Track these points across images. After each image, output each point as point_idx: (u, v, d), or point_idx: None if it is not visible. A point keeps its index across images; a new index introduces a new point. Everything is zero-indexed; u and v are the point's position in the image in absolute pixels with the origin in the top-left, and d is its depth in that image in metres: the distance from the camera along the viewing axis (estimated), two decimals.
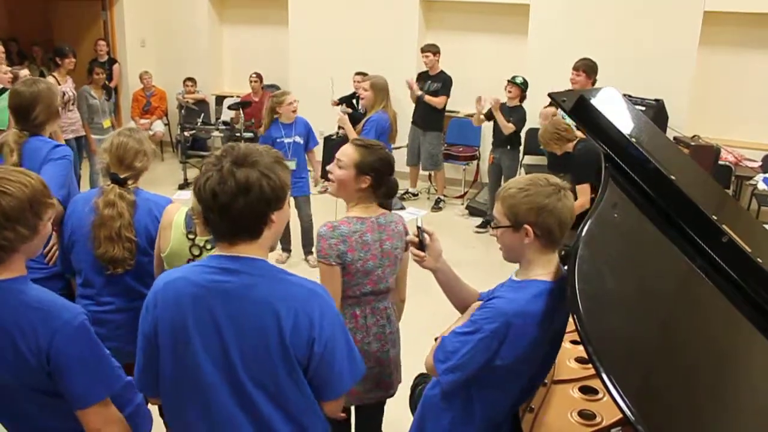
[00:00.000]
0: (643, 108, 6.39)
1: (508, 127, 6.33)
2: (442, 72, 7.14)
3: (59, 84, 6.40)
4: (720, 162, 6.37)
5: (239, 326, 1.62)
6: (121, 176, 2.51)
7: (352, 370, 1.76)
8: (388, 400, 2.74)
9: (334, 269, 2.38)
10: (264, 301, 1.62)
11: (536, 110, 6.27)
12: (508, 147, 6.51)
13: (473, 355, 1.84)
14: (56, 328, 1.65)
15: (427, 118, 7.17)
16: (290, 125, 5.28)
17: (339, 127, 6.53)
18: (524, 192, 1.88)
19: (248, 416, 1.66)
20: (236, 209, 1.58)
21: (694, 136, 6.61)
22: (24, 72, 5.62)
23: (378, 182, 2.46)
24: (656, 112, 6.48)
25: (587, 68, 5.57)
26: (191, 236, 2.31)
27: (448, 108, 7.79)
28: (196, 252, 2.31)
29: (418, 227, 2.15)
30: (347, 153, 2.45)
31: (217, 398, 1.65)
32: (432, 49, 7.08)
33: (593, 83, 5.65)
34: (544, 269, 1.91)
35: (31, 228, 1.70)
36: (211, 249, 2.23)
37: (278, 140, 5.20)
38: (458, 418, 2.01)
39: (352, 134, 5.44)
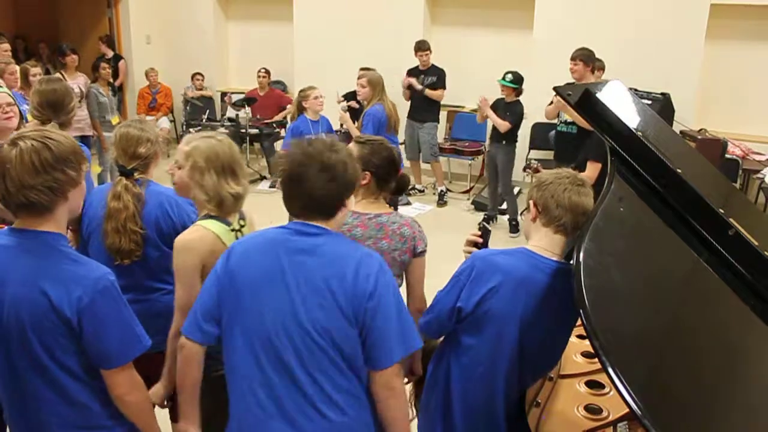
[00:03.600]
0: (650, 102, 6.35)
1: (503, 125, 6.34)
2: (434, 66, 7.27)
3: (67, 81, 6.43)
4: (727, 156, 6.33)
5: (304, 276, 1.77)
6: (128, 167, 2.50)
7: (405, 338, 1.82)
8: None
9: None
10: (330, 256, 1.79)
11: (542, 104, 6.24)
12: (503, 142, 6.46)
13: (445, 295, 2.07)
14: (90, 282, 1.72)
15: (424, 110, 7.30)
16: (317, 122, 5.35)
17: (341, 124, 6.55)
18: (548, 173, 2.10)
19: (303, 364, 1.76)
20: (305, 190, 1.79)
21: (700, 130, 6.57)
22: (36, 69, 5.62)
23: (381, 179, 2.47)
24: (662, 106, 6.45)
25: (584, 57, 5.57)
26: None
27: (453, 103, 7.83)
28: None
29: (484, 227, 2.28)
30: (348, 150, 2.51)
31: (276, 345, 1.76)
32: (429, 47, 7.24)
33: (593, 70, 5.62)
34: (535, 242, 2.06)
35: (77, 171, 1.78)
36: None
37: (307, 137, 5.22)
38: (434, 379, 2.18)
39: (353, 130, 5.45)
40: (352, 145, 2.51)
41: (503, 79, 6.38)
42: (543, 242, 2.04)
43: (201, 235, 2.19)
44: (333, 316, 1.75)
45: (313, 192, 1.79)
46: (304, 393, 1.75)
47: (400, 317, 1.83)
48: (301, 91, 5.52)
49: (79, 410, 1.81)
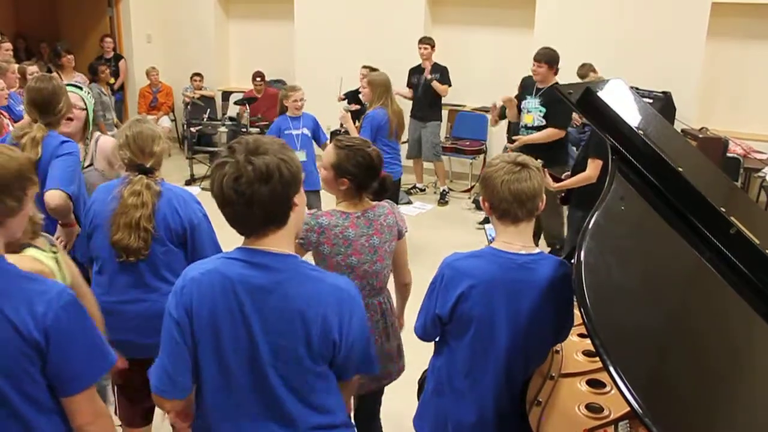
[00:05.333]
0: (651, 100, 6.35)
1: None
2: (436, 63, 7.24)
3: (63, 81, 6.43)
4: (728, 154, 6.31)
5: (267, 321, 1.63)
6: (147, 165, 2.51)
7: (365, 368, 1.81)
8: (390, 394, 2.77)
9: (301, 251, 2.42)
10: (292, 300, 1.63)
11: None
12: None
13: (426, 302, 2.13)
14: (53, 298, 1.57)
15: (427, 109, 7.27)
16: (297, 118, 5.34)
17: (341, 124, 6.55)
18: (488, 165, 2.06)
19: (272, 410, 1.68)
20: (260, 198, 1.56)
21: (702, 129, 6.57)
22: (33, 68, 5.64)
23: (359, 184, 2.46)
24: (663, 105, 6.44)
25: (548, 59, 5.26)
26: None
27: (454, 102, 7.81)
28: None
29: None
30: (328, 153, 2.49)
31: (242, 391, 1.66)
32: (432, 42, 7.20)
33: (556, 73, 5.38)
34: (500, 237, 2.06)
35: (18, 200, 1.62)
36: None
37: (285, 131, 5.26)
38: (430, 375, 2.22)
39: (353, 131, 5.46)
40: (330, 148, 2.51)
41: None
42: (506, 237, 2.05)
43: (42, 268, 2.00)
44: (299, 357, 1.66)
45: (258, 204, 1.57)
46: (272, 426, 1.70)
47: (366, 352, 1.78)
48: (284, 88, 5.55)
49: None
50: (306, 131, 5.35)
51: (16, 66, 5.44)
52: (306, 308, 1.63)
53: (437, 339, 2.22)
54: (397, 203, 5.48)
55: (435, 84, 7.10)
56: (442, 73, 7.20)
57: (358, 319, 1.73)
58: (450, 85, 7.22)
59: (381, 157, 2.52)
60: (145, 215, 2.44)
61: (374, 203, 2.55)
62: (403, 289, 2.80)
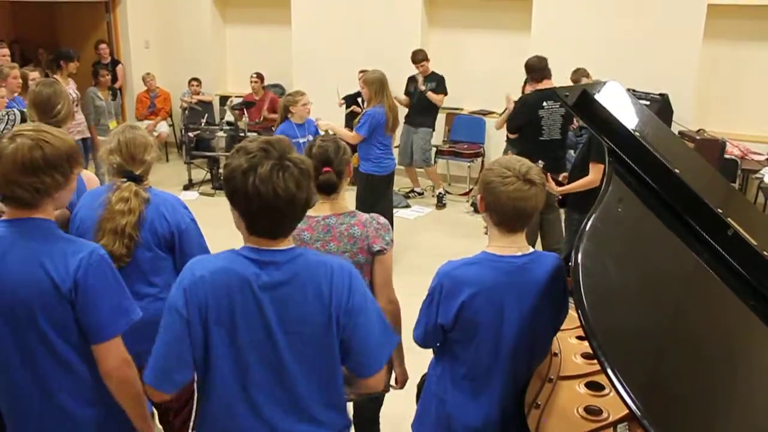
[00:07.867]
0: (648, 102, 6.36)
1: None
2: (433, 72, 7.26)
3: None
4: (726, 156, 6.32)
5: (286, 316, 1.67)
6: (137, 173, 2.50)
7: (386, 339, 1.80)
8: (389, 397, 2.76)
9: None
10: (307, 285, 1.68)
11: None
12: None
13: (426, 311, 2.11)
14: (84, 256, 1.82)
15: (421, 115, 7.30)
16: (302, 125, 5.35)
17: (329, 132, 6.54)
18: (489, 168, 2.06)
19: (290, 405, 1.72)
20: (299, 198, 1.63)
21: (699, 130, 6.58)
22: (35, 74, 5.64)
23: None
24: (661, 107, 6.45)
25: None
26: None
27: (452, 106, 7.82)
28: None
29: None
30: None
31: (259, 385, 1.70)
32: (426, 57, 7.19)
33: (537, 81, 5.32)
34: (495, 242, 2.07)
35: (66, 177, 1.87)
36: None
37: (294, 140, 5.24)
38: (430, 379, 2.22)
39: (342, 134, 5.50)
40: None
41: None
42: (502, 242, 2.06)
43: None
44: (315, 344, 1.71)
45: (299, 206, 1.64)
46: (290, 419, 1.73)
47: (380, 322, 1.80)
48: (288, 95, 5.52)
49: (87, 385, 1.89)
50: (311, 138, 5.38)
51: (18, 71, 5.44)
52: (321, 287, 1.69)
53: (437, 345, 2.22)
54: (391, 208, 5.48)
55: (430, 95, 7.14)
56: (438, 82, 7.20)
57: (361, 290, 1.77)
58: (446, 94, 7.25)
59: (329, 151, 2.44)
60: (131, 222, 2.42)
61: (346, 210, 2.47)
62: (388, 308, 2.49)
